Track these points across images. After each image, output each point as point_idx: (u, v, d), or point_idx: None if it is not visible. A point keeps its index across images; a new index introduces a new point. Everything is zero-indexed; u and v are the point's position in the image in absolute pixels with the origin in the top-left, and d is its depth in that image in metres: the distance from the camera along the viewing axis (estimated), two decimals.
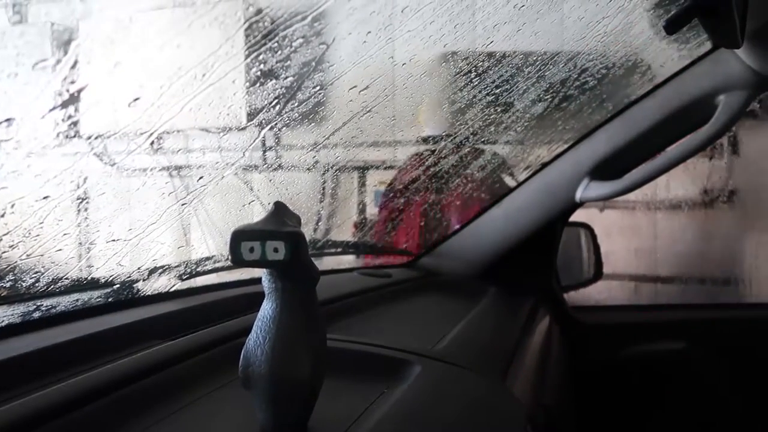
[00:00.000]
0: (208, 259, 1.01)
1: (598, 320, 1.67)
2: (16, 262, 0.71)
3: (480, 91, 1.12)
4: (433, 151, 1.40)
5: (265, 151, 1.12)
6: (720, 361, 1.57)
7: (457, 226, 1.55)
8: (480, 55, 1.03)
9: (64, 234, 0.75)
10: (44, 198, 0.71)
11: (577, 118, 1.38)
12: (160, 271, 0.91)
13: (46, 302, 0.73)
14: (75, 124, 0.73)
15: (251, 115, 0.91)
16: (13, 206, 0.68)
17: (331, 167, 1.36)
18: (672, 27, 0.84)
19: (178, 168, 0.92)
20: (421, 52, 0.95)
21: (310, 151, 1.09)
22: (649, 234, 2.59)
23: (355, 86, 0.90)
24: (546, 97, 1.23)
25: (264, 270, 0.48)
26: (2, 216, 0.68)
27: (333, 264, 1.54)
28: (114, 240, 0.85)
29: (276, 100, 0.92)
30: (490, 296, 1.34)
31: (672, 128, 1.33)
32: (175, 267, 0.94)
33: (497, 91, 1.12)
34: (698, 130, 1.27)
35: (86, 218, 0.81)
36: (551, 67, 1.13)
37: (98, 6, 0.78)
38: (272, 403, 0.48)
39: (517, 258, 1.50)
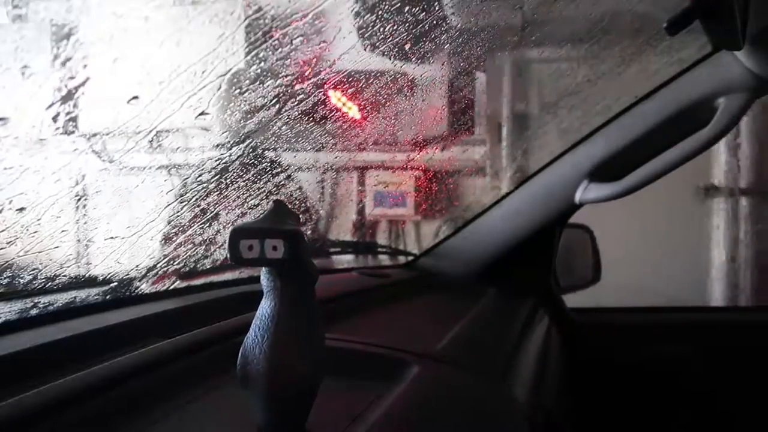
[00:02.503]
0: (206, 257, 1.01)
1: (596, 322, 1.67)
2: (13, 258, 0.70)
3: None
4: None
5: (263, 150, 1.11)
6: (720, 363, 1.58)
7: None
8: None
9: (62, 231, 0.75)
10: (41, 194, 0.70)
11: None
12: (158, 268, 0.90)
13: (44, 299, 0.73)
14: (73, 120, 0.72)
15: (250, 114, 0.91)
16: (11, 202, 0.68)
17: (331, 167, 1.35)
18: (673, 28, 0.84)
19: (177, 166, 0.92)
20: None
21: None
22: None
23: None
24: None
25: (263, 268, 0.48)
26: (0, 212, 0.67)
27: (332, 264, 1.53)
28: (112, 237, 0.84)
29: (276, 98, 0.91)
30: (489, 297, 1.34)
31: (672, 130, 1.33)
32: (174, 265, 0.94)
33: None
34: (698, 133, 1.27)
35: (84, 215, 0.81)
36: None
37: (97, 1, 0.77)
38: (270, 401, 0.47)
39: (517, 259, 1.50)
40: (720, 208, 2.94)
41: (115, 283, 0.84)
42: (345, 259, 1.61)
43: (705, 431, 1.59)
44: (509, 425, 0.70)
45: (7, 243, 0.69)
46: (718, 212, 2.95)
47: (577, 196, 1.40)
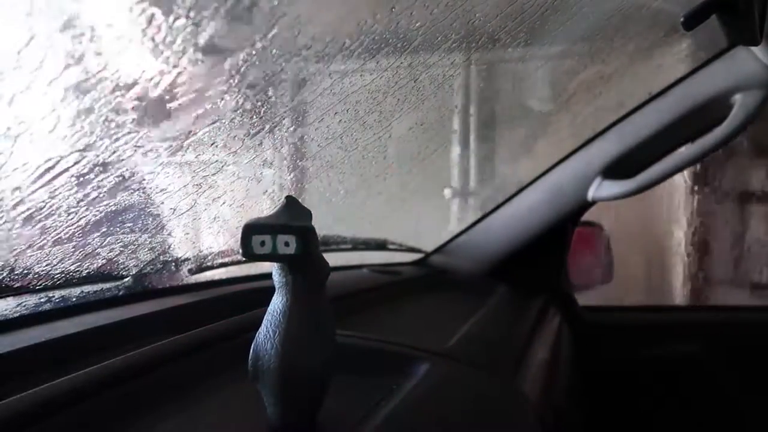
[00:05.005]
0: (218, 253, 1.01)
1: (608, 321, 1.66)
2: (28, 254, 0.71)
3: None
4: None
5: (276, 148, 1.11)
6: (733, 364, 1.56)
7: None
8: None
9: (76, 227, 0.75)
10: (55, 191, 0.71)
11: None
12: (170, 264, 0.91)
13: (58, 294, 0.74)
14: (86, 116, 0.73)
15: (265, 111, 0.91)
16: (26, 198, 0.69)
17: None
18: (690, 23, 0.83)
19: (190, 162, 0.92)
20: None
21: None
22: None
23: None
24: None
25: (274, 264, 0.48)
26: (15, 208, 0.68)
27: (343, 261, 1.53)
28: (125, 233, 0.85)
29: (290, 97, 0.91)
30: (500, 295, 1.34)
31: (687, 127, 1.32)
32: (186, 261, 0.94)
33: None
34: (713, 130, 1.25)
35: (99, 211, 0.81)
36: None
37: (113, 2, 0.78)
38: (281, 397, 0.48)
39: (528, 257, 1.49)
40: None
41: (128, 279, 0.85)
42: (355, 256, 1.61)
43: (716, 430, 1.57)
44: (520, 423, 0.70)
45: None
46: None
47: (590, 194, 1.39)
